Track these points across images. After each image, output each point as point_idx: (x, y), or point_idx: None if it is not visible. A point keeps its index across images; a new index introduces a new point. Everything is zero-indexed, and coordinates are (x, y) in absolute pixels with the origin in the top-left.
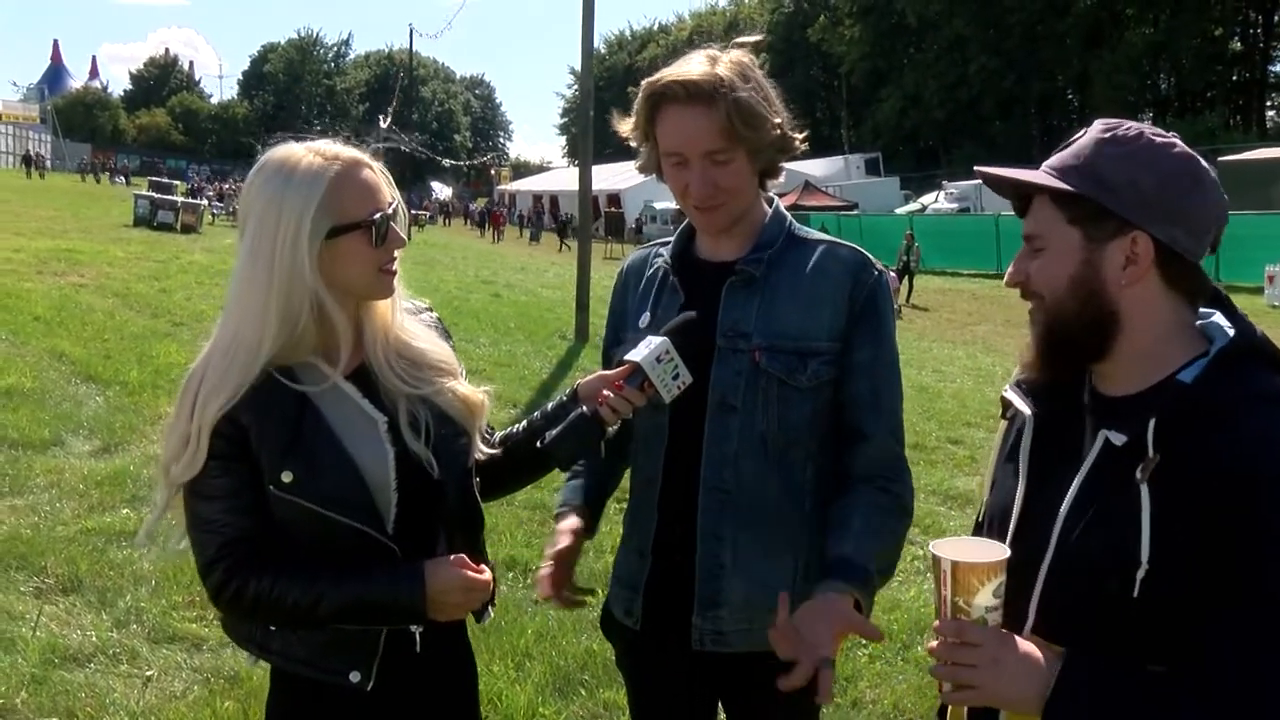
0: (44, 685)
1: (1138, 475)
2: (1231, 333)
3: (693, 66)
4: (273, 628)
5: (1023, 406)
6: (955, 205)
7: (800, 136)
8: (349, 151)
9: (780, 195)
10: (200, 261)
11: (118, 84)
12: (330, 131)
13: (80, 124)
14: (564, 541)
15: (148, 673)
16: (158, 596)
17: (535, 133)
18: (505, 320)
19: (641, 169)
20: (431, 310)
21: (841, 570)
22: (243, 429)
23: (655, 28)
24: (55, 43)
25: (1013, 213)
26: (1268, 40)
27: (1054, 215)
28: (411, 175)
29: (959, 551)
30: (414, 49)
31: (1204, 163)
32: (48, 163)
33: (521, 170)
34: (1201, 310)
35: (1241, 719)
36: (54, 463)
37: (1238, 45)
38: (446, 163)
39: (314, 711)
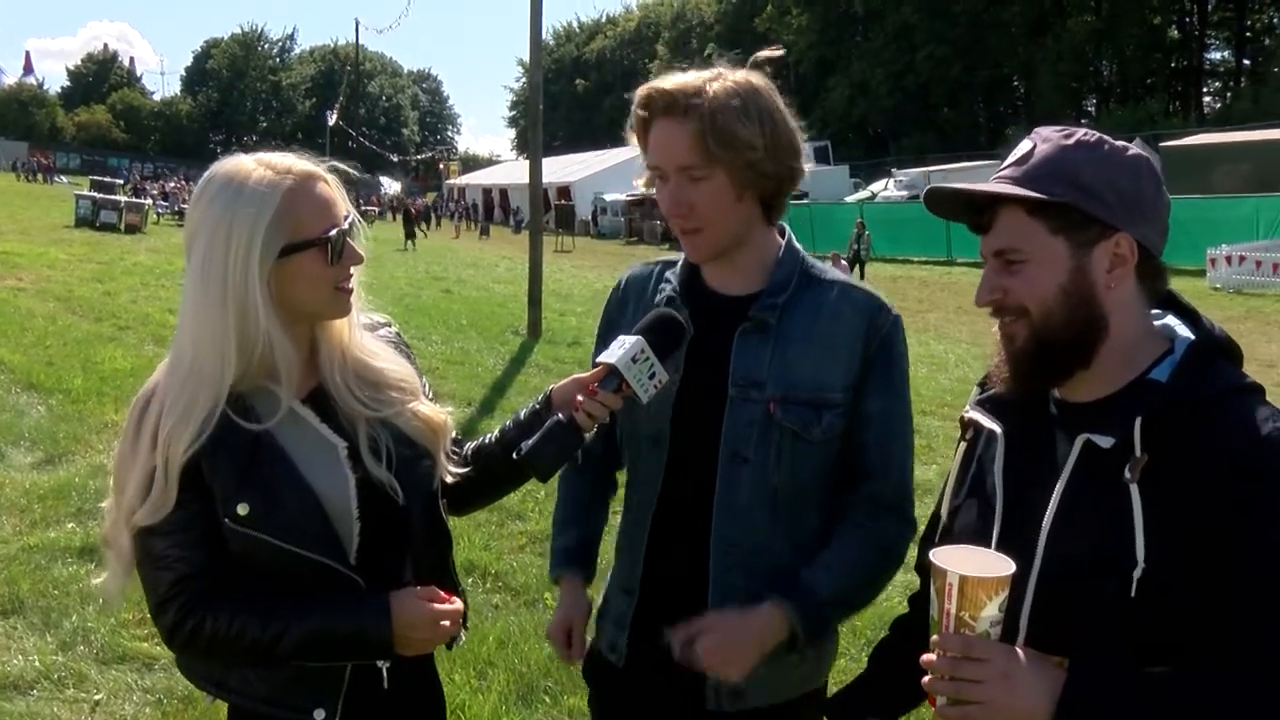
0: None
1: (1126, 475)
2: (1190, 331)
3: (677, 76)
4: (231, 667)
5: (991, 425)
6: (905, 193)
7: (808, 169)
8: (301, 164)
9: None
10: (145, 263)
11: (52, 80)
12: (276, 126)
13: (15, 122)
14: (577, 614)
15: (96, 697)
16: (106, 615)
17: (483, 126)
18: (457, 317)
19: (645, 183)
20: (391, 325)
21: (788, 589)
22: (194, 459)
23: (604, 19)
24: None
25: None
26: (1203, 29)
27: (1032, 227)
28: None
29: (963, 563)
30: (361, 43)
31: (1153, 162)
32: None
33: (470, 164)
34: (1153, 311)
35: None
36: None
37: (1175, 34)
38: (395, 158)
39: None
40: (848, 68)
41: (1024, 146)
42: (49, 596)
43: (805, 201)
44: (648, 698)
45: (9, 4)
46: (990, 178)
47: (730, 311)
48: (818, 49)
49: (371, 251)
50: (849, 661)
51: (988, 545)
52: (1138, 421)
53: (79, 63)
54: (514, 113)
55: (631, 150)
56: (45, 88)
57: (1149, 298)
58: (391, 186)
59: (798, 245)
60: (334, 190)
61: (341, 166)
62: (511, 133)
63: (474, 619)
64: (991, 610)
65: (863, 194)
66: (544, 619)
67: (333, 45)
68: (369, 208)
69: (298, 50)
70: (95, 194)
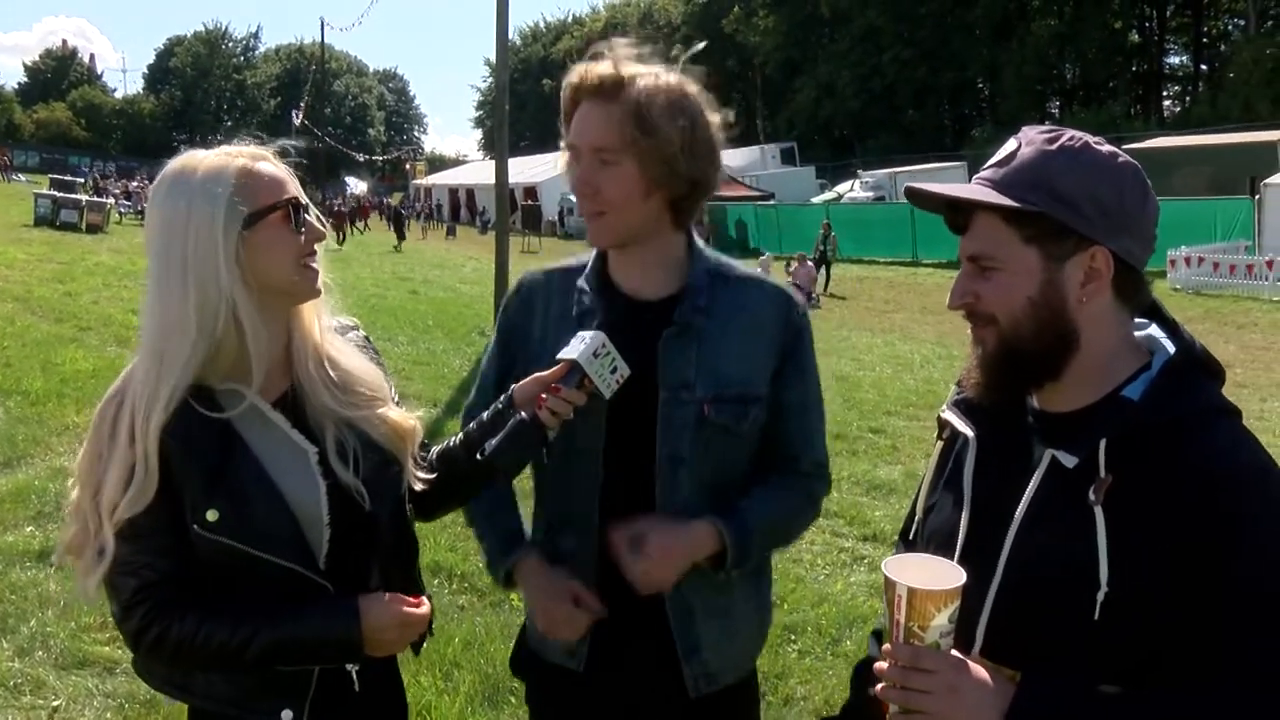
0: None
1: (1091, 497)
2: (1171, 346)
3: (611, 64)
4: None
5: (964, 428)
6: (871, 194)
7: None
8: (249, 148)
9: None
10: (107, 263)
11: (7, 76)
12: (241, 125)
13: None
14: (567, 579)
15: (54, 703)
16: (66, 619)
17: (449, 126)
18: (423, 318)
19: (565, 165)
20: (359, 329)
21: (721, 510)
22: (164, 460)
23: (570, 19)
24: None
25: None
26: (1162, 34)
27: (1007, 234)
28: (325, 170)
29: (913, 574)
30: (326, 42)
31: (1141, 169)
32: None
33: (437, 164)
34: (1137, 321)
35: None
36: None
37: (1136, 38)
38: (361, 157)
39: None
40: (814, 69)
41: (1009, 146)
42: (6, 601)
43: (772, 203)
44: (616, 700)
45: None
46: (974, 176)
47: (648, 316)
48: (784, 50)
49: (332, 251)
50: (814, 660)
51: (954, 547)
52: (1102, 443)
53: (37, 59)
54: (480, 113)
55: None
56: (1, 84)
57: (1130, 310)
58: (358, 186)
59: (701, 245)
60: (281, 169)
61: (288, 144)
62: (478, 133)
63: (440, 620)
64: (941, 621)
65: (829, 195)
66: (510, 620)
67: (298, 44)
68: (341, 207)
69: (262, 49)
70: (55, 193)
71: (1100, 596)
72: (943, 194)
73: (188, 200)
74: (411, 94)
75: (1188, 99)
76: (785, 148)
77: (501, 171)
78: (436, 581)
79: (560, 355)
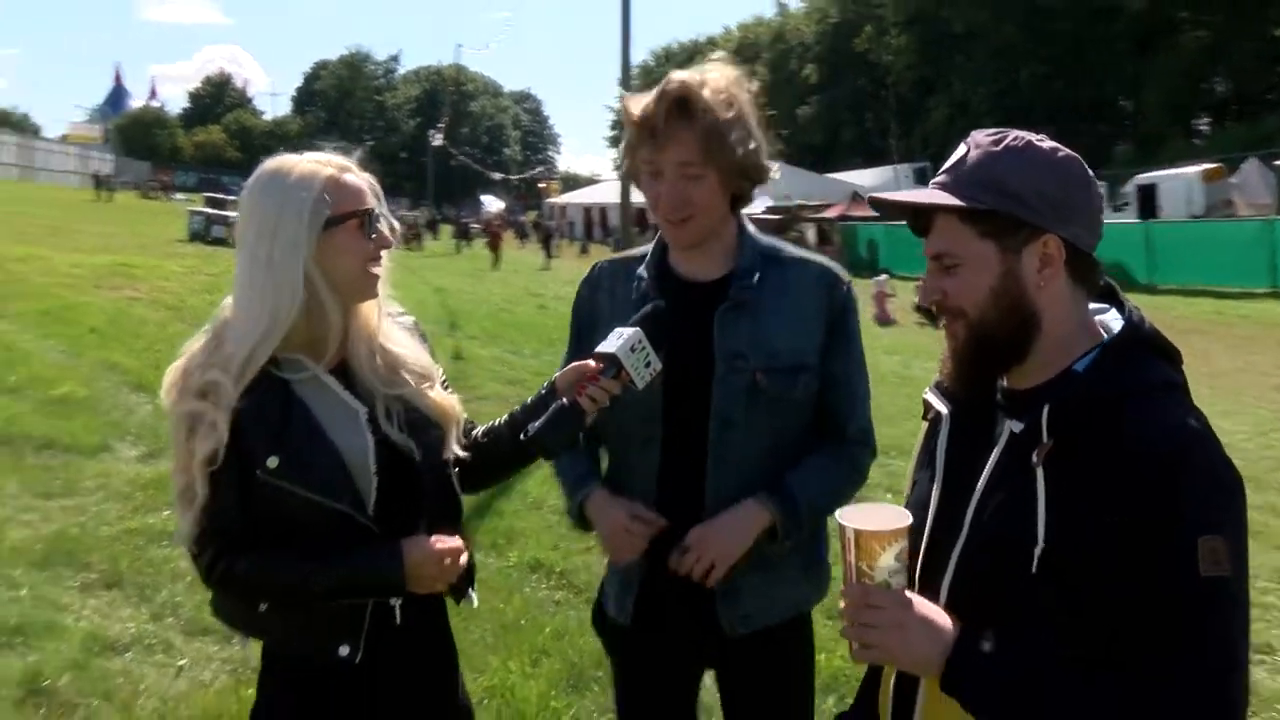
0: (85, 670)
1: (1034, 459)
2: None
3: (677, 85)
4: (262, 607)
5: (940, 406)
6: None
7: (774, 167)
8: (338, 158)
9: (828, 206)
10: None
11: (173, 103)
12: (381, 145)
13: (140, 143)
14: (627, 504)
15: (180, 662)
16: (192, 592)
17: (585, 146)
18: (550, 332)
19: (622, 176)
20: (411, 316)
21: (772, 488)
22: (235, 416)
23: (703, 40)
24: (117, 67)
25: None
26: None
27: (964, 232)
28: (461, 190)
29: (863, 519)
30: (462, 64)
31: (1083, 162)
32: (113, 183)
33: (571, 183)
34: (1098, 305)
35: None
36: (102, 467)
37: None
38: (497, 176)
39: (304, 686)
40: (948, 87)
41: (959, 152)
42: (145, 574)
43: (903, 223)
44: (662, 648)
45: (136, 35)
46: (930, 182)
47: (703, 295)
48: (917, 69)
49: (469, 266)
50: None
51: (926, 517)
52: (1045, 409)
53: (198, 86)
54: (614, 133)
55: None
56: (166, 110)
57: (1085, 290)
58: (494, 205)
59: (752, 229)
60: (363, 181)
61: (358, 151)
62: (612, 152)
63: (533, 612)
64: (888, 560)
65: None
66: None
67: (436, 67)
68: (472, 224)
69: (402, 71)
70: (207, 210)
71: (1037, 552)
72: (903, 200)
73: (280, 200)
74: (546, 114)
75: None
76: (918, 167)
77: (627, 190)
78: (535, 577)
79: (600, 349)
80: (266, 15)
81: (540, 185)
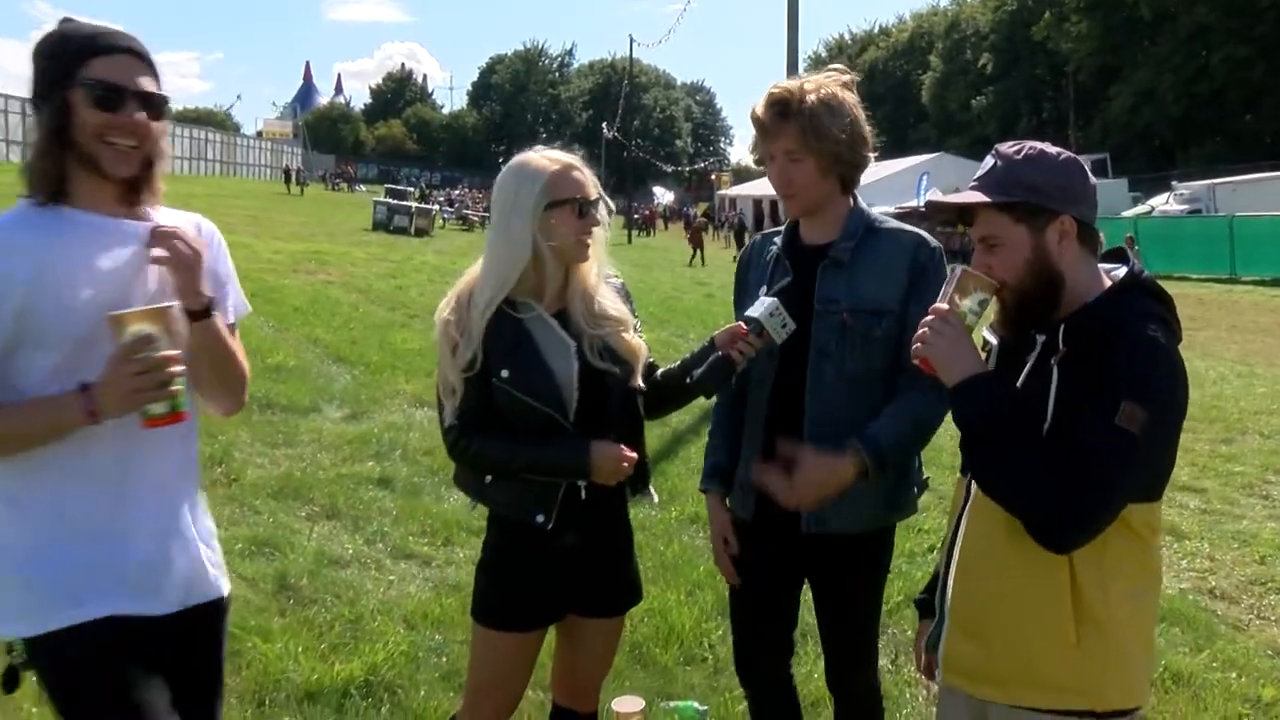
0: (317, 577)
1: (1052, 362)
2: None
3: (788, 86)
4: (487, 479)
5: (991, 338)
6: (1185, 207)
7: (873, 156)
8: (566, 156)
9: None
10: (432, 262)
11: (356, 99)
12: (555, 138)
13: (326, 137)
14: (725, 526)
15: (390, 578)
16: (398, 525)
17: None
18: (715, 318)
19: (757, 161)
20: (618, 278)
21: (860, 437)
22: (483, 339)
23: (875, 30)
24: (307, 64)
25: (1252, 214)
26: None
27: (1001, 220)
28: (634, 181)
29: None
30: (634, 57)
31: (1080, 161)
32: (305, 176)
33: (742, 175)
34: (1113, 265)
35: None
36: (314, 424)
37: None
38: (668, 168)
39: (513, 543)
40: (1132, 74)
41: (988, 163)
42: (357, 509)
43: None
44: (761, 535)
45: (323, 34)
46: (967, 188)
47: (817, 255)
48: (1099, 56)
49: (637, 256)
50: None
51: None
52: (1061, 326)
53: (379, 82)
54: None
55: (903, 162)
56: (351, 106)
57: (1092, 251)
58: (665, 196)
59: (863, 206)
60: (585, 175)
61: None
62: None
63: (690, 555)
64: (971, 303)
65: (1141, 209)
66: None
67: (609, 59)
68: (698, 224)
69: (576, 65)
70: (390, 200)
71: (1046, 425)
72: (952, 202)
73: (518, 184)
74: (718, 106)
75: None
76: (1097, 159)
77: None
78: (694, 528)
79: (747, 314)
80: (444, 11)
81: (711, 177)
